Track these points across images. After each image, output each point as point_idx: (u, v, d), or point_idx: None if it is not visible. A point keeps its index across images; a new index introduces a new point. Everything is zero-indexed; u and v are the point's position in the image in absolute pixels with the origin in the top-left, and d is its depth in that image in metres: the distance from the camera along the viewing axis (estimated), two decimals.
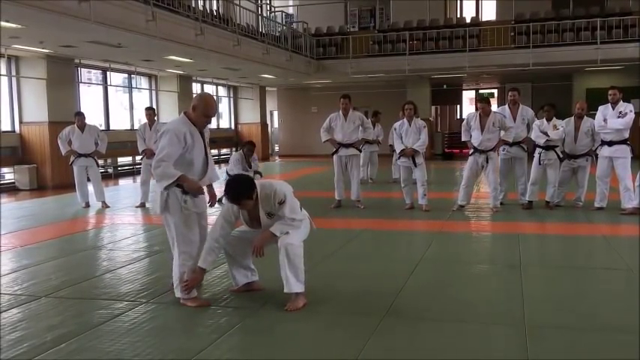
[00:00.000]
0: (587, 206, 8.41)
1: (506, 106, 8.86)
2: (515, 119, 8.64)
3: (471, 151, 8.42)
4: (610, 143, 8.02)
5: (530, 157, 8.66)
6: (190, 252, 4.25)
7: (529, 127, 8.62)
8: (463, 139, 8.65)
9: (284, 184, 4.24)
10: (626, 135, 7.98)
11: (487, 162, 8.29)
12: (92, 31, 9.65)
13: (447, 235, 7.02)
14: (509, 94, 8.82)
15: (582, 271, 5.28)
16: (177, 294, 4.26)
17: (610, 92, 8.05)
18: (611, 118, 7.94)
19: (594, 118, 8.24)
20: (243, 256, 4.43)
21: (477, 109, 8.64)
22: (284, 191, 4.13)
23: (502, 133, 8.28)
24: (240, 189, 4.05)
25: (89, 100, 15.42)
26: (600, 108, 8.17)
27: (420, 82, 20.37)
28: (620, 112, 7.91)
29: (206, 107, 4.27)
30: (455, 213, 8.38)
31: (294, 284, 4.08)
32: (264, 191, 4.11)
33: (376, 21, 21.80)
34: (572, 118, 8.42)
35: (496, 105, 23.09)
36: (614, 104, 7.98)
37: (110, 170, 15.63)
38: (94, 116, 14.52)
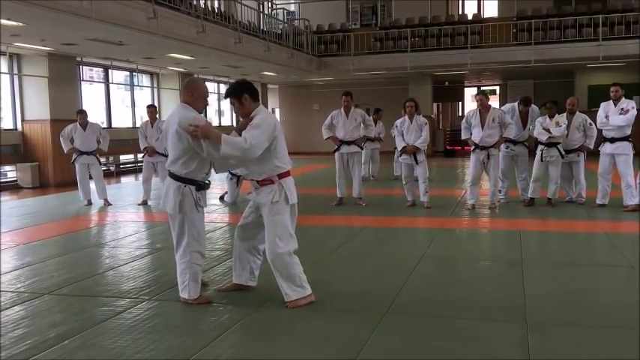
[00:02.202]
0: (589, 203, 8.41)
1: (516, 105, 8.78)
2: (524, 122, 8.61)
3: (472, 148, 8.41)
4: (612, 140, 8.01)
5: (532, 154, 8.66)
6: (201, 250, 4.24)
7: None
8: (463, 137, 8.63)
9: (271, 121, 4.07)
10: (628, 132, 7.97)
11: (488, 158, 8.29)
12: (93, 28, 9.65)
13: (448, 232, 7.02)
14: (521, 107, 8.68)
15: (584, 268, 5.28)
16: (185, 295, 4.20)
17: (612, 89, 8.04)
18: (613, 115, 7.93)
19: (596, 115, 8.24)
20: (250, 245, 4.38)
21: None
22: (263, 121, 4.00)
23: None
24: (235, 86, 4.18)
25: (91, 98, 15.43)
26: (602, 105, 8.16)
27: (421, 79, 20.35)
28: (622, 109, 7.90)
29: (204, 90, 4.29)
30: (456, 210, 8.40)
31: (291, 292, 4.09)
32: (255, 113, 4.08)
33: (378, 18, 21.77)
34: (566, 113, 8.45)
35: (498, 102, 23.10)
36: (617, 101, 7.97)
37: (112, 168, 15.64)
38: (95, 114, 14.54)
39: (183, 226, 4.14)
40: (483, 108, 8.29)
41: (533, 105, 8.84)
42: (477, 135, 8.30)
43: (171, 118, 4.17)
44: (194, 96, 4.18)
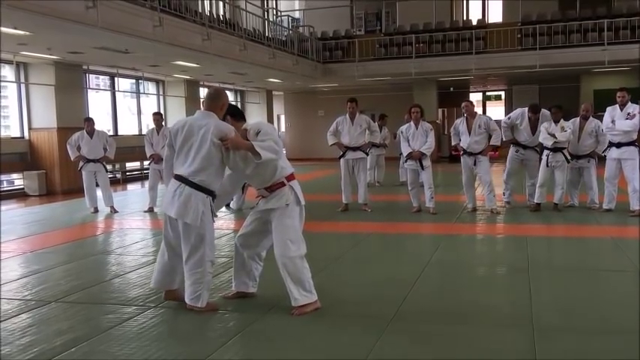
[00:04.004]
0: (596, 208, 8.40)
1: (527, 111, 8.72)
2: (534, 129, 8.58)
3: (461, 152, 8.60)
4: (618, 145, 7.99)
5: (539, 159, 8.66)
6: (213, 259, 4.26)
7: None
8: (453, 143, 8.88)
9: (268, 126, 4.27)
10: (635, 137, 7.95)
11: (475, 164, 8.38)
12: (99, 37, 9.71)
13: (454, 237, 7.01)
14: (530, 114, 8.56)
15: (591, 274, 5.26)
16: (197, 303, 4.15)
17: (619, 94, 8.01)
18: (619, 120, 7.91)
19: (602, 120, 8.22)
20: (253, 252, 4.41)
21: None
22: (265, 127, 4.18)
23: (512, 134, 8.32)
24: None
25: (97, 106, 15.51)
26: (608, 109, 8.14)
27: (426, 85, 20.34)
28: (628, 114, 7.88)
29: (228, 101, 4.30)
30: (462, 215, 8.39)
31: (300, 297, 4.09)
32: (250, 127, 4.20)
33: (382, 24, 21.79)
34: (578, 118, 8.44)
35: (503, 107, 23.07)
36: (623, 106, 7.95)
37: (118, 175, 15.69)
38: (102, 122, 14.60)
39: (203, 237, 4.09)
40: (469, 115, 8.42)
41: (543, 109, 8.80)
42: (464, 141, 8.49)
43: (198, 124, 4.07)
44: (223, 107, 4.20)
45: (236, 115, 4.25)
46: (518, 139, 8.71)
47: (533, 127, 8.61)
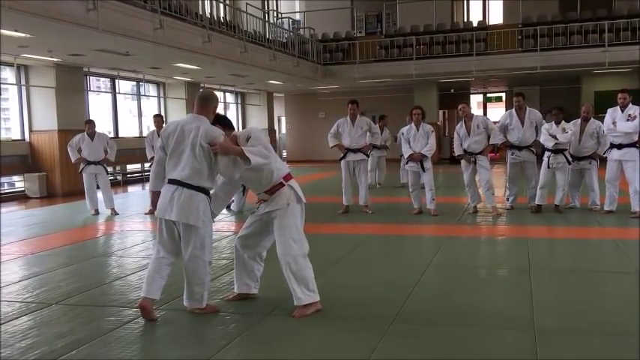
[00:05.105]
0: (597, 209, 8.39)
1: (513, 110, 8.83)
2: (523, 123, 8.63)
3: (463, 153, 8.62)
4: (619, 146, 7.98)
5: (540, 161, 8.64)
6: (212, 260, 4.26)
7: (537, 130, 8.62)
8: (457, 153, 8.79)
9: (258, 131, 4.25)
10: (636, 138, 7.93)
11: (475, 164, 8.42)
12: (100, 39, 9.73)
13: (455, 239, 7.00)
14: (514, 99, 8.86)
15: (592, 276, 5.25)
16: (200, 304, 4.16)
17: (620, 96, 8.00)
18: (620, 121, 7.90)
19: (602, 121, 8.22)
20: (254, 253, 4.41)
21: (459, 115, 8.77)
22: (251, 132, 4.17)
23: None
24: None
25: (98, 108, 15.52)
26: (609, 111, 8.13)
27: (427, 87, 20.36)
28: (629, 115, 7.87)
29: (218, 104, 4.31)
30: (463, 217, 8.38)
31: (303, 296, 4.08)
32: (240, 133, 4.21)
33: (383, 26, 21.82)
34: (579, 119, 8.45)
35: (504, 108, 23.06)
36: (624, 107, 7.94)
37: (119, 177, 15.70)
38: (103, 124, 14.62)
39: (204, 238, 4.09)
40: (466, 117, 8.45)
41: (530, 109, 8.80)
42: (465, 143, 8.52)
43: (188, 127, 4.04)
44: (214, 110, 4.19)
45: (225, 125, 4.23)
46: (511, 140, 8.73)
47: (522, 120, 8.62)
